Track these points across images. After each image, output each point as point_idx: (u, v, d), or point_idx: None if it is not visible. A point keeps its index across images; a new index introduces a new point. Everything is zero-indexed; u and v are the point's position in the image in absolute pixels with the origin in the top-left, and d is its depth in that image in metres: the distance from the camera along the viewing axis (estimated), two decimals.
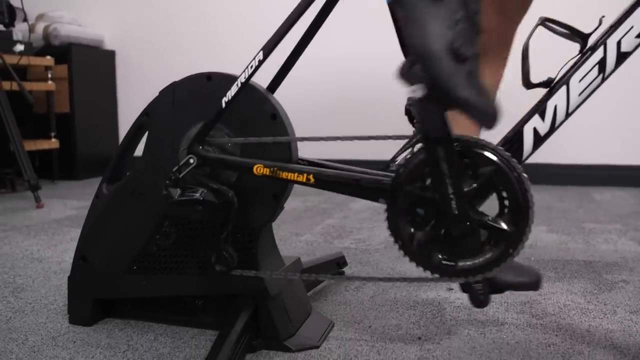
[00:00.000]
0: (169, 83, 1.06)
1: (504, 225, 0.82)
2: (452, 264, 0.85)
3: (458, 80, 0.74)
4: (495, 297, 1.30)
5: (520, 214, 0.82)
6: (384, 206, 0.88)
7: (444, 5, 0.75)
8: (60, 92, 3.21)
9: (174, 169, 0.97)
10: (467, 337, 1.09)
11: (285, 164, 0.94)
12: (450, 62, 0.74)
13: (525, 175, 0.82)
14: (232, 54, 3.13)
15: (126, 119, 3.63)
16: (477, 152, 0.83)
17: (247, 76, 0.93)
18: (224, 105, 0.94)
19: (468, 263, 0.84)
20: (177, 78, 1.05)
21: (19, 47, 2.85)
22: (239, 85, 0.93)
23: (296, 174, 0.93)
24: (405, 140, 0.90)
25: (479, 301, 0.91)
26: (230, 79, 0.99)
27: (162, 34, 3.50)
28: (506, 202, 0.83)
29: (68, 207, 2.50)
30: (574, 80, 0.86)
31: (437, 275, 0.88)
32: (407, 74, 0.77)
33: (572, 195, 2.64)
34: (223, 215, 0.97)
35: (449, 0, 0.75)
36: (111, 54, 3.58)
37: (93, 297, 1.16)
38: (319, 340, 1.06)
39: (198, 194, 0.94)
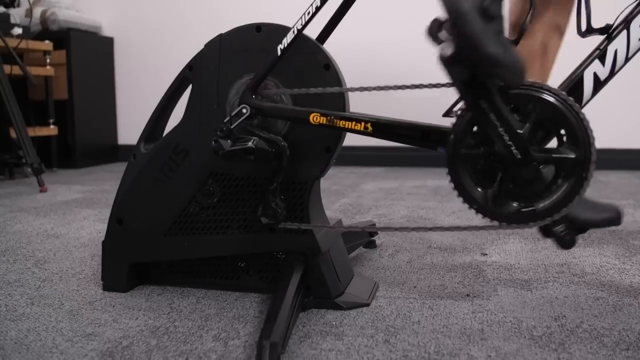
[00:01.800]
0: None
1: (570, 154, 0.82)
2: (532, 207, 0.85)
3: (488, 38, 0.75)
4: (532, 259, 1.30)
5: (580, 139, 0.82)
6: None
7: None
8: (57, 78, 3.15)
9: (225, 120, 0.95)
10: (515, 294, 1.08)
11: (342, 113, 0.92)
12: (480, 21, 0.75)
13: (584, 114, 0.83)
14: None
15: (125, 107, 3.58)
16: (538, 96, 0.83)
17: (303, 23, 0.91)
18: (279, 53, 0.92)
19: (547, 202, 0.84)
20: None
21: (17, 31, 2.79)
22: (295, 32, 0.91)
23: (354, 123, 0.91)
24: None
25: (566, 242, 0.89)
26: (281, 29, 0.97)
27: (161, 21, 3.45)
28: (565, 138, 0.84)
29: (73, 191, 2.45)
30: (634, 24, 0.86)
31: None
32: (435, 32, 0.78)
33: None
34: (274, 165, 0.95)
35: None
36: (109, 41, 3.51)
37: (130, 261, 1.12)
38: (369, 298, 1.04)
39: (251, 143, 0.92)
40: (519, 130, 0.82)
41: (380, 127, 0.91)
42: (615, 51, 0.87)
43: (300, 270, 0.99)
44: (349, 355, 0.84)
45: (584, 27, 0.89)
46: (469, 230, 0.93)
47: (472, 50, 0.76)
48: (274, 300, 0.92)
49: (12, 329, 0.96)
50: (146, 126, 1.10)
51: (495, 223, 0.88)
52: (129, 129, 3.58)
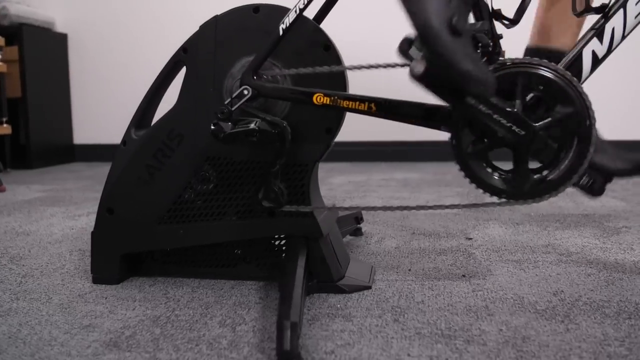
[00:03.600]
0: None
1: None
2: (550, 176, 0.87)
3: (459, 54, 0.77)
4: (517, 241, 1.33)
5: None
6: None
7: None
8: (9, 75, 3.01)
9: (226, 102, 0.93)
10: (509, 273, 1.10)
11: (345, 93, 0.92)
12: (450, 37, 0.77)
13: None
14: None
15: (80, 106, 3.46)
16: (540, 73, 0.85)
17: (305, 3, 0.90)
18: (281, 33, 0.91)
19: (558, 171, 0.86)
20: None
21: None
22: (297, 11, 0.90)
23: (357, 103, 0.91)
24: None
25: (595, 190, 0.92)
26: (280, 9, 0.96)
27: (114, 18, 3.35)
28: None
29: (33, 191, 2.36)
30: (630, 3, 0.89)
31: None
32: (406, 49, 0.81)
33: None
34: (275, 147, 0.94)
35: None
36: (63, 37, 3.39)
37: (122, 251, 1.08)
38: (369, 280, 1.04)
39: (253, 124, 0.90)
40: (510, 109, 0.85)
41: (384, 106, 0.91)
42: (613, 29, 0.90)
43: (305, 253, 0.98)
44: (362, 335, 0.84)
45: (581, 7, 0.91)
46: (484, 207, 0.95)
47: (443, 68, 0.78)
48: (284, 283, 0.90)
49: (2, 324, 0.91)
50: (137, 111, 1.07)
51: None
52: (85, 128, 3.47)
